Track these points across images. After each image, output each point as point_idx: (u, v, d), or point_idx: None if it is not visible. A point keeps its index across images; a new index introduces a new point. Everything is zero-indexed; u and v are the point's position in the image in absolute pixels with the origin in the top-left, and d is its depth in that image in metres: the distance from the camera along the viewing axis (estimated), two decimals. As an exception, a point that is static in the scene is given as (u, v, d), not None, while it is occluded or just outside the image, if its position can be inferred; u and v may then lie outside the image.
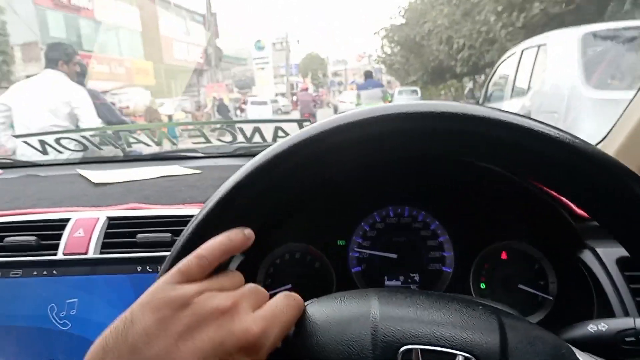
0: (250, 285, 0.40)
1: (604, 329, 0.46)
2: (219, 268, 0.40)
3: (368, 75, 10.58)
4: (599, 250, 0.70)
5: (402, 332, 0.38)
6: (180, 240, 0.42)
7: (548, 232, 0.77)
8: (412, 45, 18.85)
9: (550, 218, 0.74)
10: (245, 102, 21.65)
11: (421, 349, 0.37)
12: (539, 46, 4.39)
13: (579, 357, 0.39)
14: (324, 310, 0.41)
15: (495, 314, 0.41)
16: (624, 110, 0.93)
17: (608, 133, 0.97)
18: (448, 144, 0.42)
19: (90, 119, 2.74)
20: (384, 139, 0.42)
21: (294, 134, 0.43)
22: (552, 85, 3.84)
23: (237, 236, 0.41)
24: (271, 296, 0.80)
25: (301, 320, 0.41)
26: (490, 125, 0.39)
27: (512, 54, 5.20)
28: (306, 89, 22.14)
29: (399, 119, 0.41)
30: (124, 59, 22.01)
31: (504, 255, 0.80)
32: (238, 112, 19.38)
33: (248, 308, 0.37)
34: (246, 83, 34.42)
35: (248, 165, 0.43)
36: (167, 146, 1.41)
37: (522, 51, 4.84)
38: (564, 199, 0.72)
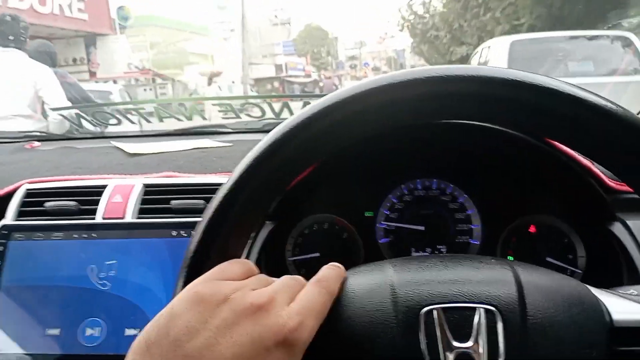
0: (284, 278, 0.41)
1: (634, 294, 0.46)
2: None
3: None
4: (629, 222, 0.69)
5: (421, 294, 0.39)
6: (210, 207, 0.43)
7: (578, 205, 0.77)
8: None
9: (580, 191, 0.74)
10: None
11: (442, 308, 0.38)
12: (489, 47, 5.87)
13: (595, 294, 0.39)
14: (343, 284, 0.42)
15: (509, 265, 0.41)
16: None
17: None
18: (491, 111, 0.42)
19: (58, 102, 2.44)
20: (431, 101, 0.41)
21: (333, 93, 0.43)
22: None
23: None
24: (300, 263, 0.83)
25: None
26: (539, 93, 0.39)
27: (477, 52, 6.64)
28: (329, 78, 22.89)
29: (455, 80, 0.40)
30: None
31: (532, 229, 0.80)
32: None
33: (283, 302, 0.37)
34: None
35: (280, 127, 0.42)
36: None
37: (482, 49, 6.26)
38: (595, 170, 0.71)
